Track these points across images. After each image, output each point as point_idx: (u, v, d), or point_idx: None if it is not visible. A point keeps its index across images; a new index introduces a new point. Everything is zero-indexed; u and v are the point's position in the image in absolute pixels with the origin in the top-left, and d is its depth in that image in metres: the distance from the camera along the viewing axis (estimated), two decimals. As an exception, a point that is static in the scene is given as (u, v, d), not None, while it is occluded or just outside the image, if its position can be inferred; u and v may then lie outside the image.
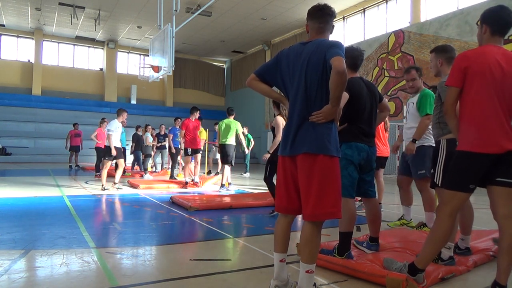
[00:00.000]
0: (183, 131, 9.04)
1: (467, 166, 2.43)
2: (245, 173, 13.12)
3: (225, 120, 8.44)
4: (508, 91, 2.41)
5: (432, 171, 3.25)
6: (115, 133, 8.22)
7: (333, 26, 2.51)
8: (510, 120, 2.44)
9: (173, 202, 6.57)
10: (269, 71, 2.52)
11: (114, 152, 8.08)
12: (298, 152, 2.31)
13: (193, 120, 9.04)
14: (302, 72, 2.34)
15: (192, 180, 9.34)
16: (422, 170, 4.14)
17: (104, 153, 8.39)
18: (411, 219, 4.62)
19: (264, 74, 2.53)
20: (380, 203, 5.61)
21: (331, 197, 2.25)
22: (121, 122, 8.42)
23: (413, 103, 4.25)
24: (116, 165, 12.26)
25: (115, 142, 8.20)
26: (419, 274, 2.56)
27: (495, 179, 2.42)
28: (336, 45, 2.29)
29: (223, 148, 8.34)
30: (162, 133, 13.08)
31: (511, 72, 2.41)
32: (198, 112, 9.14)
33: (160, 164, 14.27)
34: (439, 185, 3.07)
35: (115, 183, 8.42)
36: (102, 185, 8.20)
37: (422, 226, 4.42)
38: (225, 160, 8.34)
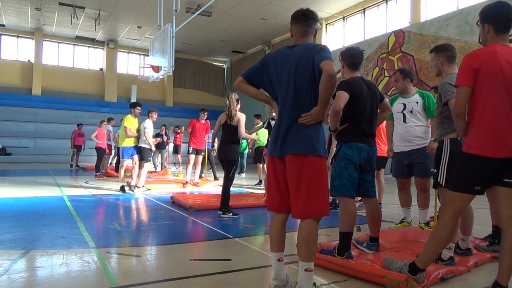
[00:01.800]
0: (190, 130, 9.14)
1: (475, 169, 2.38)
2: (242, 173, 13.09)
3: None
4: None
5: (435, 171, 3.23)
6: (150, 131, 8.21)
7: (316, 30, 2.59)
8: None
9: (173, 202, 6.57)
10: (256, 74, 2.57)
11: (153, 148, 8.25)
12: (288, 153, 2.37)
13: (203, 122, 9.18)
14: (291, 75, 2.40)
15: (192, 180, 9.38)
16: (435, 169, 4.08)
17: (143, 154, 8.16)
18: (411, 221, 4.61)
19: (252, 76, 2.57)
20: (380, 203, 5.60)
21: (320, 196, 2.33)
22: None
23: (417, 103, 4.27)
24: (117, 166, 12.34)
25: (145, 141, 8.12)
26: (420, 273, 2.56)
27: (502, 180, 2.37)
28: (324, 49, 2.38)
29: (257, 150, 9.86)
30: (162, 133, 13.08)
31: None
32: (206, 113, 9.21)
33: (160, 164, 14.27)
34: (443, 185, 3.06)
35: (143, 186, 8.15)
36: (143, 186, 8.08)
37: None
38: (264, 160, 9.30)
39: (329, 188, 2.43)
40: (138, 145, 8.14)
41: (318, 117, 2.33)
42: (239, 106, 5.49)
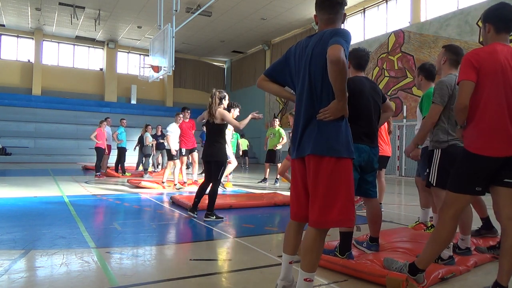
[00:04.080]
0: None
1: (476, 169, 2.37)
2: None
3: (275, 129, 10.37)
4: None
5: (427, 170, 3.24)
6: (173, 134, 8.76)
7: (345, 14, 2.31)
8: None
9: (173, 202, 6.56)
10: (278, 70, 2.41)
11: (174, 152, 8.69)
12: (304, 154, 2.16)
13: (187, 120, 9.12)
14: (306, 67, 2.18)
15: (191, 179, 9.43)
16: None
17: (168, 154, 8.94)
18: (427, 221, 4.52)
19: (273, 73, 2.42)
20: (381, 203, 5.58)
21: (338, 204, 2.06)
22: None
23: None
24: (117, 166, 12.35)
25: (173, 143, 8.72)
26: (420, 274, 2.56)
27: (502, 180, 2.37)
28: (338, 32, 2.08)
29: (269, 151, 10.47)
30: (159, 133, 13.09)
31: None
32: (189, 112, 9.27)
33: (160, 164, 14.26)
34: (434, 184, 3.07)
35: (162, 182, 8.77)
36: (175, 184, 8.60)
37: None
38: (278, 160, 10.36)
39: (353, 194, 2.17)
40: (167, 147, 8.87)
41: (338, 112, 2.06)
42: (224, 105, 5.13)
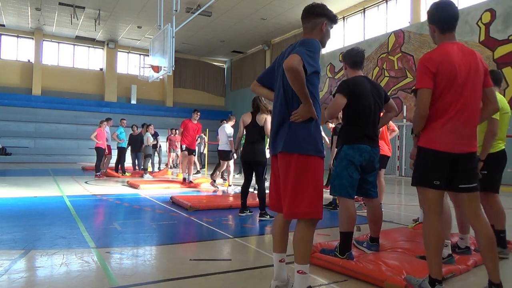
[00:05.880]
0: (182, 130, 9.26)
1: (427, 163, 2.44)
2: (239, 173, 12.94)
3: None
4: (471, 89, 2.39)
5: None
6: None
7: (323, 24, 2.43)
8: (474, 121, 2.43)
9: (173, 202, 6.57)
10: (266, 76, 2.62)
11: (235, 154, 8.91)
12: (277, 151, 2.39)
13: (195, 122, 9.26)
14: (280, 73, 2.40)
15: (185, 179, 9.42)
16: None
17: (222, 155, 8.98)
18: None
19: (263, 79, 2.64)
20: (380, 203, 5.58)
21: (306, 197, 2.25)
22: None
23: None
24: (117, 166, 12.35)
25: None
26: (438, 285, 2.41)
27: (457, 187, 2.45)
28: (304, 42, 2.29)
29: None
30: (152, 132, 13.06)
31: (470, 69, 2.39)
32: (198, 114, 9.42)
33: (158, 164, 14.26)
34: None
35: (229, 185, 8.83)
36: (228, 185, 8.79)
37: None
38: None
39: (322, 188, 2.35)
40: (219, 148, 8.88)
41: (305, 114, 2.27)
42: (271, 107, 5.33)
